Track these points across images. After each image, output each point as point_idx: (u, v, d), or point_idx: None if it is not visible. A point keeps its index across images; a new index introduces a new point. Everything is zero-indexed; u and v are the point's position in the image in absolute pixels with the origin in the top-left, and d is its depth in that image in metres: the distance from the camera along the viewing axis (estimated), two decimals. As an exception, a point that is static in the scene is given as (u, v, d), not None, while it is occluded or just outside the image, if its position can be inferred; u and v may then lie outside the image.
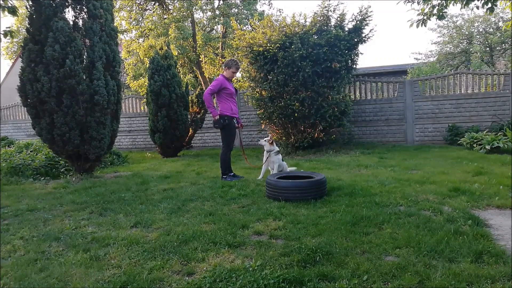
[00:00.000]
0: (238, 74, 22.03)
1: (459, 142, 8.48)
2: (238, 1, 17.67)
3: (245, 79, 9.98)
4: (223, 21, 16.70)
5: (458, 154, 7.05)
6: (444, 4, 5.31)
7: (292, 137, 8.70)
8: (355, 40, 8.42)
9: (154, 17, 17.48)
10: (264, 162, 5.47)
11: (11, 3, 6.25)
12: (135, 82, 17.38)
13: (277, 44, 8.17)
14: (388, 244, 2.63)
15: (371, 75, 15.18)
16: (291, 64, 8.09)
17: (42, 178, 6.35)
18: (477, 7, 5.35)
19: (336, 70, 8.23)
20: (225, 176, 5.47)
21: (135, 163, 8.25)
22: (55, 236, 3.16)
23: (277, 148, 5.41)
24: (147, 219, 3.52)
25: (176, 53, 15.18)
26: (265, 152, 5.44)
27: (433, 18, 5.46)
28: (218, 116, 5.45)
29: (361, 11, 8.46)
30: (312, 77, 8.16)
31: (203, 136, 11.41)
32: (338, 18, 8.45)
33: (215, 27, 18.91)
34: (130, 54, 17.60)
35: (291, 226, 3.13)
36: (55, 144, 5.95)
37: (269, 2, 23.86)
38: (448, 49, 19.06)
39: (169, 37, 14.95)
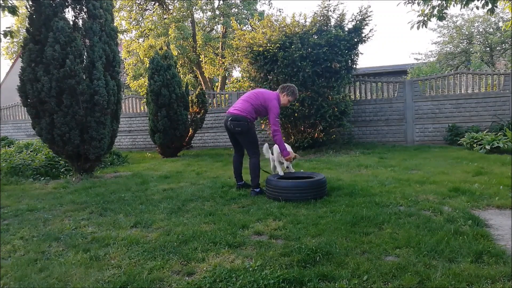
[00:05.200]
0: (238, 74, 21.93)
1: (459, 142, 8.48)
2: (238, 1, 17.68)
3: (245, 79, 9.97)
4: (223, 21, 16.72)
5: (458, 154, 7.05)
6: (444, 5, 5.31)
7: (292, 137, 8.70)
8: (355, 40, 8.43)
9: (154, 17, 17.50)
10: (274, 160, 4.88)
11: (11, 3, 6.25)
12: (135, 82, 17.40)
13: (277, 44, 8.17)
14: (388, 244, 2.63)
15: (371, 75, 15.18)
16: (291, 64, 8.09)
17: (42, 178, 6.35)
18: (477, 8, 5.35)
19: (336, 70, 8.23)
20: (257, 190, 4.44)
21: (135, 163, 8.24)
22: (55, 236, 3.15)
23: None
24: (147, 219, 3.52)
25: (176, 53, 15.19)
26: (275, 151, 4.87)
27: (433, 19, 5.46)
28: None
29: (361, 11, 8.47)
30: (312, 77, 8.16)
31: (203, 136, 11.42)
32: (338, 18, 8.45)
33: (215, 27, 18.93)
34: (130, 54, 17.62)
35: (291, 226, 3.12)
36: (55, 144, 5.94)
37: (269, 2, 23.90)
38: (448, 49, 19.05)
39: (169, 37, 14.96)
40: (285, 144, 4.64)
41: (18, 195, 5.02)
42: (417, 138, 9.68)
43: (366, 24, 8.46)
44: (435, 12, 5.38)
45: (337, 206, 3.66)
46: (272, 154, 4.81)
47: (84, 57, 5.93)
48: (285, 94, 4.62)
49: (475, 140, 7.74)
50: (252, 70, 8.99)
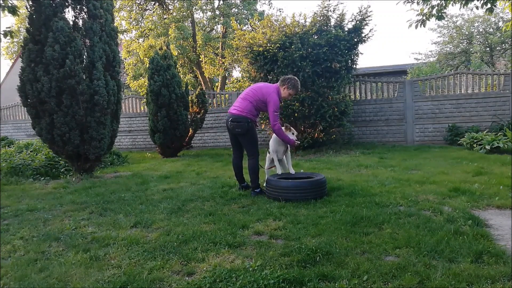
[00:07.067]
0: (238, 74, 21.91)
1: (459, 142, 8.48)
2: (238, 1, 17.67)
3: (245, 79, 9.97)
4: (223, 21, 16.73)
5: (458, 154, 7.04)
6: (444, 5, 5.30)
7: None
8: (355, 40, 8.43)
9: (154, 17, 17.50)
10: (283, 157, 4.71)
11: (11, 3, 6.25)
12: (135, 82, 17.39)
13: (277, 44, 8.18)
14: (388, 244, 2.63)
15: (371, 75, 15.17)
16: (291, 64, 8.09)
17: (42, 178, 6.35)
18: (477, 7, 5.35)
19: (336, 70, 8.23)
20: (257, 190, 4.43)
21: (135, 163, 8.24)
22: (55, 236, 3.15)
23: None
24: (147, 219, 3.52)
25: (176, 53, 15.19)
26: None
27: (432, 19, 5.46)
28: (248, 122, 4.43)
29: (360, 11, 8.47)
30: (312, 77, 8.16)
31: (203, 136, 11.42)
32: (338, 18, 8.46)
33: (215, 27, 18.93)
34: (130, 54, 17.62)
35: (291, 226, 3.12)
36: (55, 144, 5.95)
37: (269, 2, 23.90)
38: (448, 49, 19.07)
39: (169, 37, 14.96)
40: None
41: (18, 195, 5.02)
42: (417, 138, 9.68)
43: (366, 24, 8.47)
44: (434, 11, 5.37)
45: (337, 206, 3.66)
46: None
47: (84, 57, 5.94)
48: (285, 87, 4.45)
49: (475, 140, 7.74)
50: (252, 70, 8.99)
